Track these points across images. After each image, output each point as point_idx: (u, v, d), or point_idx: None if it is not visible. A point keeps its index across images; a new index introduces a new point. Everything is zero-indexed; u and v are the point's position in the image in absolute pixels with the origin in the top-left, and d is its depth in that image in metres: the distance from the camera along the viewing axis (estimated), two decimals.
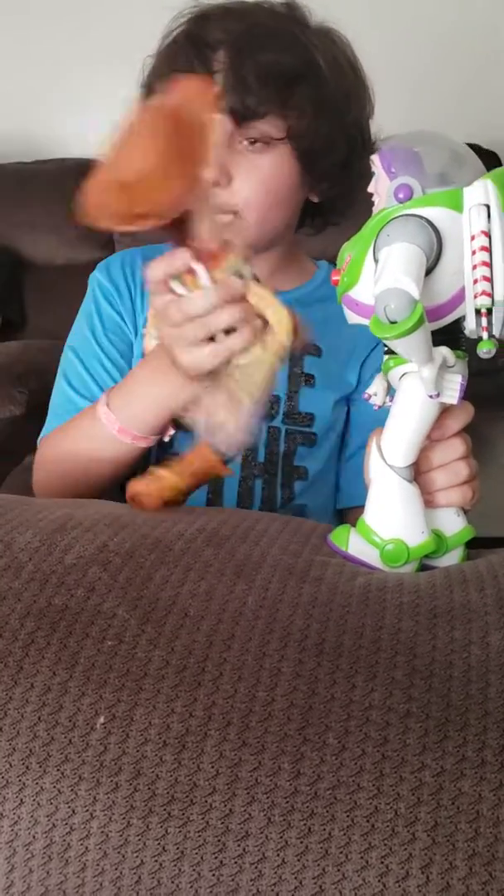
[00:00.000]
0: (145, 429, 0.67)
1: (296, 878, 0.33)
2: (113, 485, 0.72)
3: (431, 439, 0.54)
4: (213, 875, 0.33)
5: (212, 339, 0.54)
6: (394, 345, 0.47)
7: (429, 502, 0.54)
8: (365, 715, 0.35)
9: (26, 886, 0.35)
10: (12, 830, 0.35)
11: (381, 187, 0.50)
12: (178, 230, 0.51)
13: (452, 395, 0.50)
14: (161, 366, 0.61)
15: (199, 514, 0.50)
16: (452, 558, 0.54)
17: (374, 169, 0.51)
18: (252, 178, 0.76)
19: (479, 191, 0.47)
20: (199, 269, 0.52)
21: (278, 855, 0.33)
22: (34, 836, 0.35)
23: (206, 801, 0.34)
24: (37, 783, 0.35)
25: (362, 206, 0.57)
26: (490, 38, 2.15)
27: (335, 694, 0.36)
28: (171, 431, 0.69)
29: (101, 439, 0.68)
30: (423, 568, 0.52)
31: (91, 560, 0.43)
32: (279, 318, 0.52)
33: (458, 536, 0.54)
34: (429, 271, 0.47)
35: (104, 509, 0.50)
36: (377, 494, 0.52)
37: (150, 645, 0.38)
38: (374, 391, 0.55)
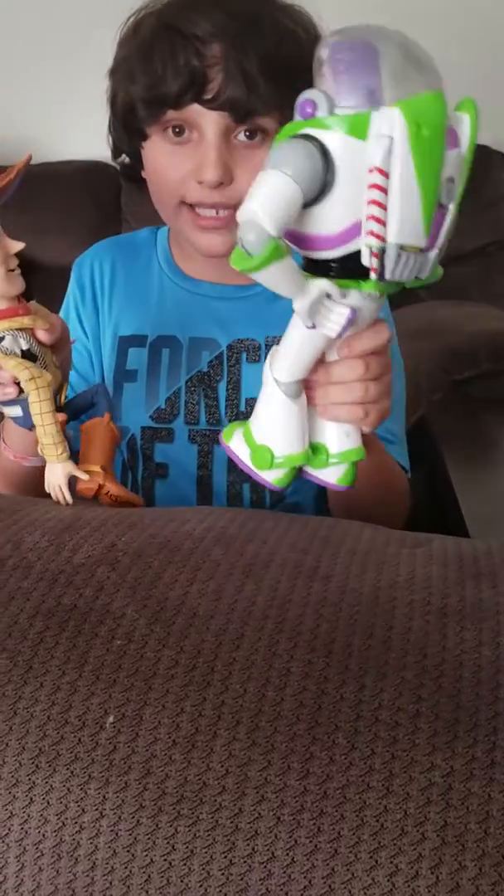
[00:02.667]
0: (18, 449, 0.67)
1: (305, 877, 0.33)
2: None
3: (339, 356, 0.54)
4: (223, 874, 0.33)
5: None
6: (255, 278, 0.45)
7: (319, 413, 0.55)
8: (374, 715, 0.35)
9: (36, 885, 0.35)
10: (22, 829, 0.35)
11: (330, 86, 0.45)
12: None
13: (333, 327, 0.48)
14: None
15: (208, 513, 0.50)
16: (335, 474, 0.56)
17: (321, 66, 0.45)
18: (251, 176, 0.76)
19: (385, 120, 0.42)
20: None
21: (288, 854, 0.33)
22: (44, 835, 0.35)
23: (216, 800, 0.34)
24: (46, 782, 0.35)
25: None
26: (495, 37, 2.14)
27: (345, 694, 0.36)
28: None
29: (2, 457, 0.70)
30: (301, 477, 0.56)
31: (99, 560, 0.43)
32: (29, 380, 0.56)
33: (346, 455, 0.55)
34: (317, 199, 0.45)
35: (112, 509, 0.50)
36: (260, 400, 0.54)
37: (160, 644, 0.39)
38: None
